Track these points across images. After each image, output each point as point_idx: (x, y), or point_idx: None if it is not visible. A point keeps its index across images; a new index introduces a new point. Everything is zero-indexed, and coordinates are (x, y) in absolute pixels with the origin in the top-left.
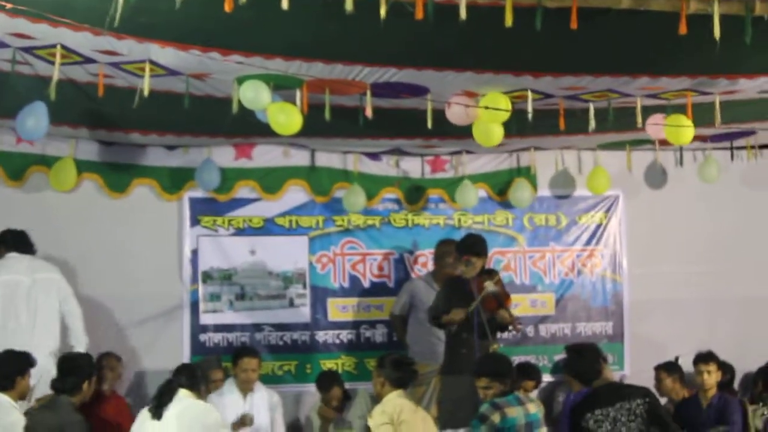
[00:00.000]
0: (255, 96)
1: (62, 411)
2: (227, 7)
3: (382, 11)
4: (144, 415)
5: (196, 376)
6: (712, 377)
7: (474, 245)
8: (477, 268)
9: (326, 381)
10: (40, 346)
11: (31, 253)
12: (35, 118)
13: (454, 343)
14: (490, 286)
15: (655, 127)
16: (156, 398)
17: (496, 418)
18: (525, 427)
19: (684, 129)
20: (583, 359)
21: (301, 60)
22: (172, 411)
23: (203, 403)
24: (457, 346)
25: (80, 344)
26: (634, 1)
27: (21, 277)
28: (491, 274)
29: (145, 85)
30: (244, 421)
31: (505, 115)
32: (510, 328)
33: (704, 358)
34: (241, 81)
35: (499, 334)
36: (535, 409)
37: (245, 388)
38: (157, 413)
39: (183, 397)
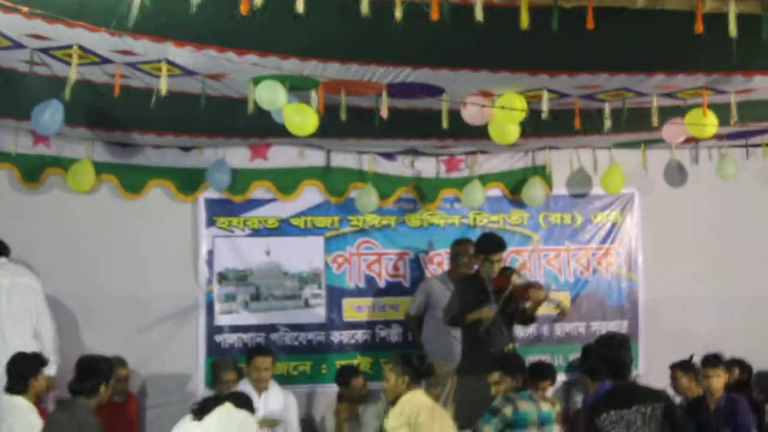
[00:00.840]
0: (271, 96)
1: (79, 413)
2: (243, 9)
3: (398, 12)
4: (185, 417)
5: (247, 402)
6: (720, 381)
7: (493, 244)
8: (497, 266)
9: (346, 374)
10: (18, 347)
11: (6, 255)
12: (51, 112)
13: (475, 342)
14: (517, 278)
15: (671, 132)
16: (201, 402)
17: (507, 410)
18: (537, 422)
19: (707, 119)
20: (613, 349)
21: (317, 60)
22: (214, 415)
23: (246, 413)
24: (480, 346)
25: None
26: (650, 0)
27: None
28: (512, 270)
29: (162, 84)
30: (268, 423)
31: (521, 115)
32: (557, 311)
33: (711, 361)
34: (256, 82)
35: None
36: (548, 407)
37: (259, 387)
38: (198, 415)
39: (228, 405)
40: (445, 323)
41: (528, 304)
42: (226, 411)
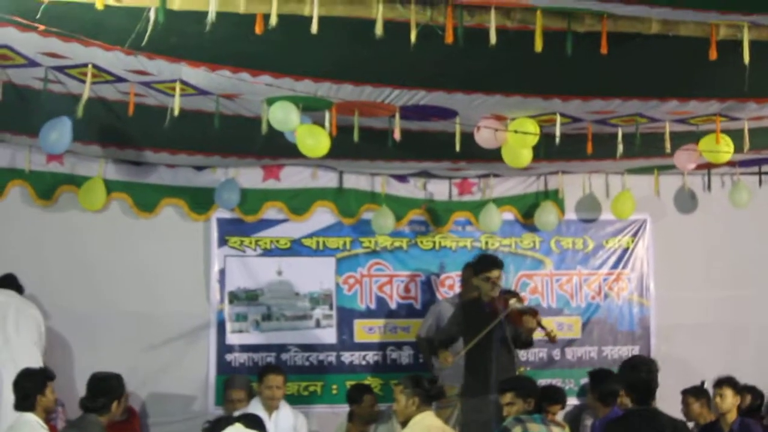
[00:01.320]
0: (284, 117)
1: (90, 430)
2: (258, 30)
3: (413, 35)
4: None
5: (258, 423)
6: (726, 401)
7: (489, 262)
8: (498, 284)
9: (359, 391)
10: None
11: (20, 293)
12: (58, 131)
13: (478, 364)
14: (515, 303)
15: (682, 158)
16: (212, 422)
17: (517, 431)
18: None
19: (722, 145)
20: (642, 373)
21: (331, 82)
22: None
23: None
24: (483, 368)
25: None
26: (663, 26)
27: (9, 300)
28: (512, 293)
29: (176, 104)
30: None
31: (534, 140)
32: (547, 338)
33: (719, 382)
34: (270, 102)
35: (524, 354)
36: (558, 431)
37: (270, 406)
38: None
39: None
40: (435, 345)
41: (525, 329)
42: (236, 430)
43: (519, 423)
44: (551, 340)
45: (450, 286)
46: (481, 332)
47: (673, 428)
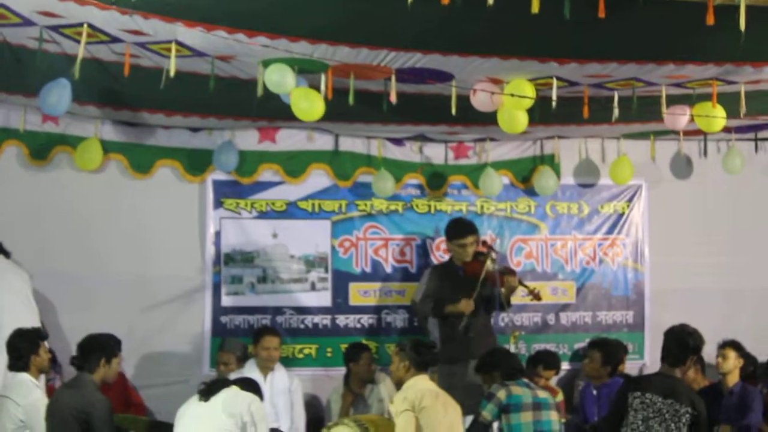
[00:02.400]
0: (280, 79)
1: (85, 390)
2: None
3: None
4: (192, 398)
5: (254, 387)
6: (728, 362)
7: (462, 228)
8: (470, 250)
9: (356, 349)
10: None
11: (7, 257)
12: (58, 93)
13: (449, 329)
14: (490, 264)
15: (673, 118)
16: (209, 383)
17: (502, 395)
18: (532, 405)
19: (716, 112)
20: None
21: (327, 44)
22: (220, 396)
23: (254, 396)
24: (454, 332)
25: None
26: None
27: None
28: (485, 254)
29: (171, 65)
30: None
31: (530, 102)
32: (525, 295)
33: (721, 344)
34: (266, 64)
35: (518, 319)
36: (545, 394)
37: (266, 367)
38: (205, 396)
39: (234, 388)
40: (423, 314)
41: (502, 290)
42: (232, 392)
43: (503, 387)
44: (535, 297)
45: (445, 250)
46: (455, 296)
47: (692, 402)
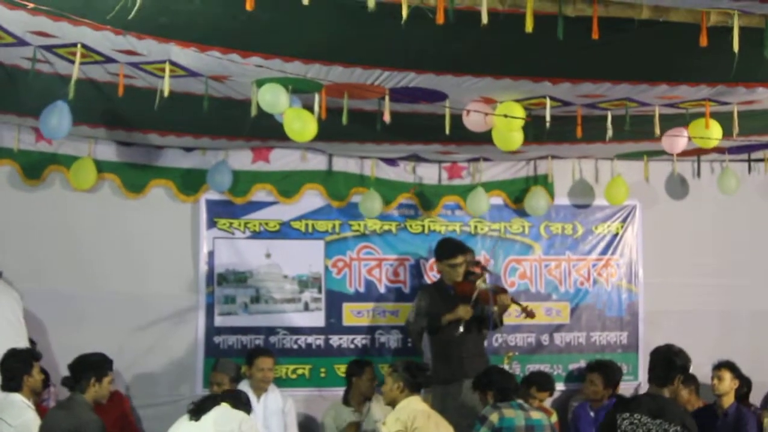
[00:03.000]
0: (273, 99)
1: (77, 410)
2: (249, 6)
3: (404, 11)
4: (182, 417)
5: (244, 401)
6: (723, 384)
7: (451, 248)
8: (460, 270)
9: (359, 365)
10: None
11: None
12: (58, 117)
13: (445, 349)
14: (481, 283)
15: (671, 141)
16: (198, 402)
17: (494, 418)
18: (525, 428)
19: (711, 131)
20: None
21: (320, 63)
22: (210, 414)
23: (244, 413)
24: (451, 353)
25: None
26: (655, 12)
27: None
28: (474, 274)
29: (165, 85)
30: None
31: (521, 123)
32: (519, 314)
33: (717, 365)
34: (260, 84)
35: (512, 339)
36: (539, 416)
37: (260, 388)
38: (195, 415)
39: (224, 405)
40: (420, 332)
41: (494, 309)
42: (222, 410)
43: (495, 410)
44: (529, 315)
45: (439, 270)
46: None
47: (682, 422)
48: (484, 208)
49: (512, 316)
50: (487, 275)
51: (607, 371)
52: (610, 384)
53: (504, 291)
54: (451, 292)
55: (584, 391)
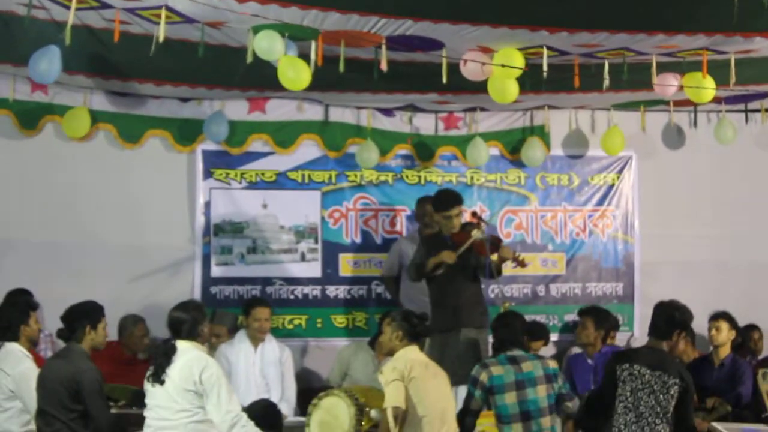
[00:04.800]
0: (269, 46)
1: (74, 359)
2: None
3: None
4: (146, 383)
5: (196, 318)
6: (721, 335)
7: (447, 199)
8: (456, 221)
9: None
10: None
11: None
12: (48, 60)
13: (440, 298)
14: (477, 233)
15: (663, 87)
16: (155, 365)
17: (483, 377)
18: (515, 384)
19: (705, 83)
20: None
21: (317, 9)
22: (172, 372)
23: (201, 356)
24: (445, 301)
25: None
26: None
27: None
28: (472, 225)
29: (161, 31)
30: None
31: (519, 72)
32: (514, 264)
33: (714, 315)
34: (256, 31)
35: (508, 290)
36: (531, 367)
37: (257, 338)
38: (157, 379)
39: (182, 351)
40: (410, 278)
41: (494, 257)
42: (180, 363)
43: (484, 368)
44: (520, 264)
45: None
46: (449, 265)
47: (680, 375)
48: (483, 158)
49: (509, 267)
50: (484, 225)
51: (598, 314)
52: (602, 327)
53: (500, 241)
54: (449, 242)
55: (578, 336)
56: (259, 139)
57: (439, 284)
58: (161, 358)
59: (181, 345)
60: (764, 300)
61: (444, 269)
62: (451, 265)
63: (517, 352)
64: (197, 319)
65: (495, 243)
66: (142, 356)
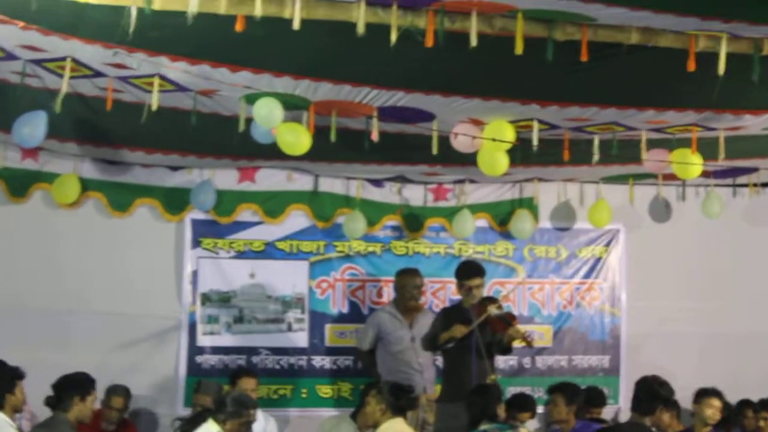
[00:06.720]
0: (268, 114)
1: (59, 429)
2: (238, 27)
3: (393, 37)
4: None
5: (225, 403)
6: (716, 413)
7: (470, 270)
8: (477, 292)
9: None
10: None
11: None
12: (33, 124)
13: (455, 369)
14: (493, 309)
15: (654, 161)
16: (187, 419)
17: None
18: None
19: (693, 160)
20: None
21: (310, 79)
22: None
23: None
24: (460, 373)
25: None
26: (643, 36)
27: None
28: (492, 300)
29: (154, 98)
30: None
31: (510, 145)
32: (523, 344)
33: (707, 392)
34: (248, 99)
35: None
36: None
37: None
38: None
39: (208, 427)
40: (424, 349)
41: (509, 333)
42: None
43: None
44: (528, 344)
45: (422, 292)
46: (463, 339)
47: None
48: (469, 230)
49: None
50: (499, 302)
51: (568, 390)
52: (573, 402)
53: (514, 318)
54: (468, 315)
55: (549, 414)
56: (248, 209)
57: (451, 356)
58: None
59: None
60: (750, 372)
61: (454, 342)
62: (461, 339)
63: (487, 426)
64: None
65: (508, 320)
66: (104, 425)
